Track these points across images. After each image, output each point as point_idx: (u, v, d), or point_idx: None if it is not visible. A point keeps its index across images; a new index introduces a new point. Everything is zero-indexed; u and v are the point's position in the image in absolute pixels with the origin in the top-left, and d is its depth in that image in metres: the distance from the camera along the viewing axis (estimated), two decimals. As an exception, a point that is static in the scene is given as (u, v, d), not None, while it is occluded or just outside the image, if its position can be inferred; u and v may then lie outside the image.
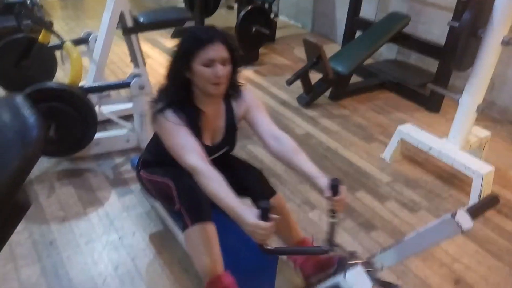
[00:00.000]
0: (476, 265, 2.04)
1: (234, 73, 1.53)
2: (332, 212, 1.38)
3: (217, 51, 1.41)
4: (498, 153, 2.96)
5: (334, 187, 1.37)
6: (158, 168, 1.72)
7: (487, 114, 3.47)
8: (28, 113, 0.67)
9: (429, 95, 3.51)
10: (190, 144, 1.42)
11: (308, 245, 1.60)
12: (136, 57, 2.96)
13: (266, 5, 4.37)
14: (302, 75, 3.35)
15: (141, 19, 2.94)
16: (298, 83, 3.47)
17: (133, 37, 2.91)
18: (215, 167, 1.40)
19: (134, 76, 2.56)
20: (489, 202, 1.06)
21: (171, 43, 4.68)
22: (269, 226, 1.21)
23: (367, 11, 4.33)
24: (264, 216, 1.21)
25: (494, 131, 3.17)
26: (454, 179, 2.66)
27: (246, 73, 4.09)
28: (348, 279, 0.99)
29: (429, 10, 3.90)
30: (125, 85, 2.58)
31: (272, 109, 3.44)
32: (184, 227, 1.54)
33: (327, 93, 3.63)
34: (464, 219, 0.95)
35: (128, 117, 2.87)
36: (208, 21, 4.76)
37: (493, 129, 3.15)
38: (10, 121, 0.68)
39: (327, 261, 1.52)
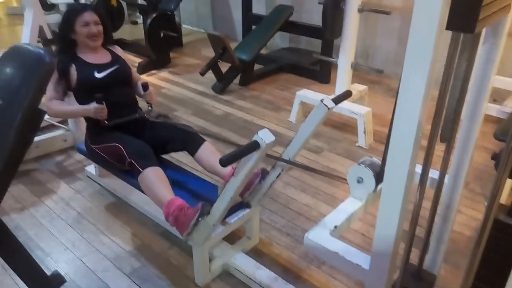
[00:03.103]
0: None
1: (105, 31, 2.18)
2: (148, 104, 2.20)
3: (90, 16, 2.09)
4: (377, 104, 3.70)
5: (145, 87, 2.18)
6: (102, 136, 2.11)
7: (366, 77, 4.25)
8: (37, 48, 1.05)
9: (320, 69, 4.21)
10: (51, 89, 2.09)
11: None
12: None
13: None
14: (212, 65, 3.85)
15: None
16: (211, 75, 3.96)
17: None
18: (149, 130, 2.17)
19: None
20: (345, 95, 1.62)
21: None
22: (103, 106, 2.00)
23: (259, 8, 4.98)
24: (99, 102, 2.00)
25: (373, 89, 3.95)
26: (346, 127, 3.33)
27: (163, 75, 4.49)
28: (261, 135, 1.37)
29: (309, 0, 4.64)
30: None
31: (192, 99, 3.89)
32: (137, 174, 1.92)
33: (237, 81, 4.17)
34: (329, 103, 1.49)
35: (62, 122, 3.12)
36: (115, 35, 5.05)
37: (372, 87, 3.90)
38: (26, 55, 1.05)
39: (252, 176, 1.94)
